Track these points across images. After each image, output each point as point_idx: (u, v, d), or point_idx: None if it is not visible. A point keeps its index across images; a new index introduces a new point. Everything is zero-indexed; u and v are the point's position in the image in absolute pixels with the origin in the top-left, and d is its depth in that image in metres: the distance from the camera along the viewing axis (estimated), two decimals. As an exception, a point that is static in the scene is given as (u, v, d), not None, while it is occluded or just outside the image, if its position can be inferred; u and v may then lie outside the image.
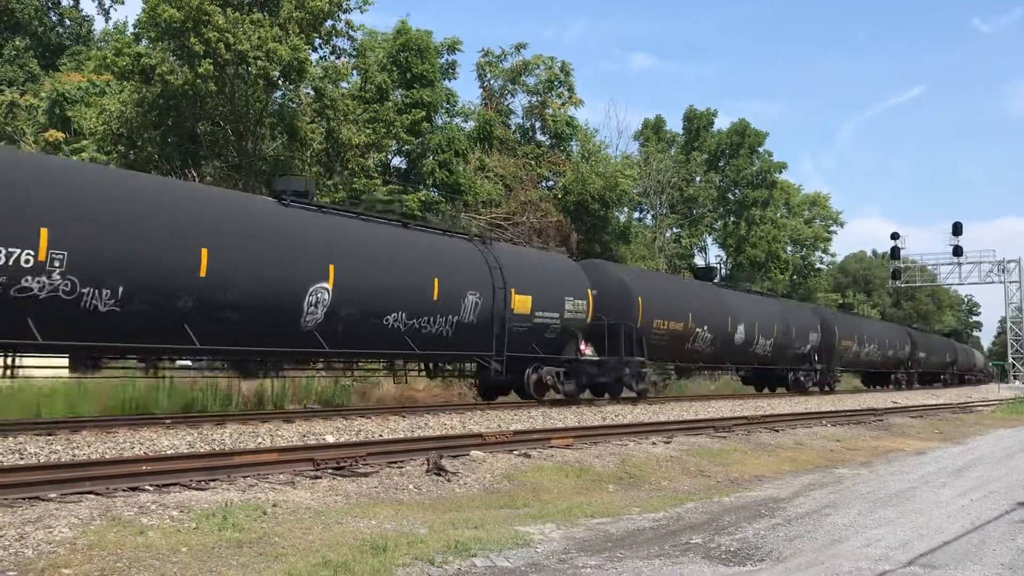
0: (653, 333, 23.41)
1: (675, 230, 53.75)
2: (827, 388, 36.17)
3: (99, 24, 65.67)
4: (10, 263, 10.86)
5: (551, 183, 39.29)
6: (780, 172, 59.50)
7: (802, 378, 33.84)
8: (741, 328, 28.28)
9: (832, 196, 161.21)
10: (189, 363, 17.81)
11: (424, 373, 20.27)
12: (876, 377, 46.99)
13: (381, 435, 12.77)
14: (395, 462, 10.34)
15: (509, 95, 40.55)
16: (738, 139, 57.51)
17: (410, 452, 10.84)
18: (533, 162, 37.94)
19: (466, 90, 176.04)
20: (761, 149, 58.22)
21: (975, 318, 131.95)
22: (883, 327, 48.74)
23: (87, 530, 6.42)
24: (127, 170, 18.87)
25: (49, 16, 45.02)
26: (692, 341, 25.60)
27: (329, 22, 27.04)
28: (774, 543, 7.18)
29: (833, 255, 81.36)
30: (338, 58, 28.93)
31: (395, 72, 31.06)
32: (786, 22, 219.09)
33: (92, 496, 7.64)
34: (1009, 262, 64.10)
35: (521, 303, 19.20)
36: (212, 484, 8.51)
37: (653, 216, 52.42)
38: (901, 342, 47.45)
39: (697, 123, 58.33)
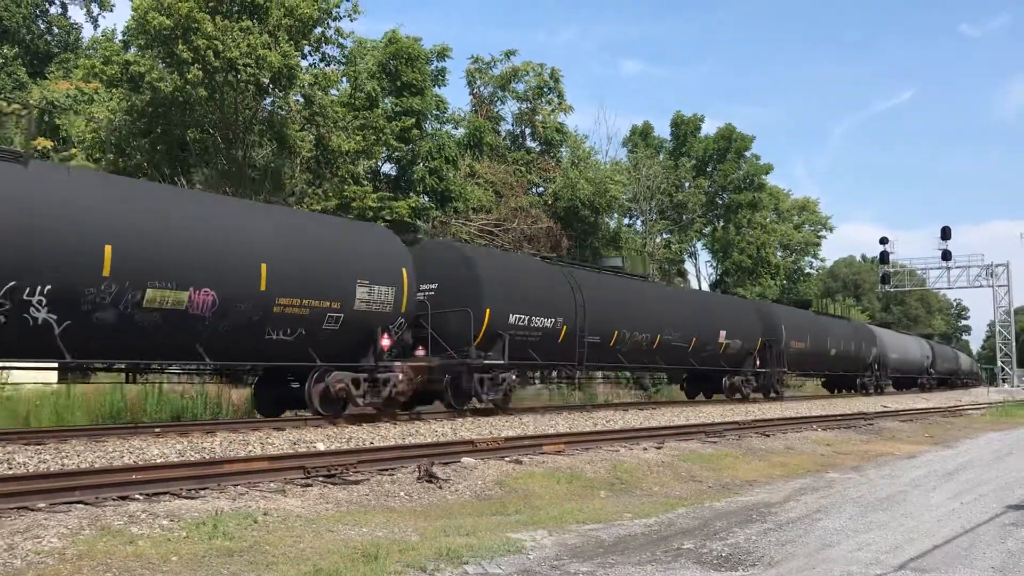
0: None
1: (665, 236, 53.85)
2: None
3: (87, 32, 65.52)
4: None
5: (541, 189, 39.33)
6: (767, 174, 59.71)
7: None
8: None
9: (823, 200, 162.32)
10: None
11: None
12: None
13: (372, 442, 12.73)
14: (386, 469, 10.32)
15: (499, 102, 40.59)
16: (724, 144, 57.64)
17: (401, 459, 10.82)
18: (523, 168, 37.96)
19: (456, 96, 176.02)
20: (748, 153, 58.37)
21: (964, 322, 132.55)
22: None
23: (76, 540, 6.39)
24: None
25: (37, 24, 44.89)
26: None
27: (318, 29, 27.02)
28: (765, 548, 7.19)
29: (823, 260, 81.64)
30: (327, 65, 28.91)
31: (385, 80, 31.06)
32: (776, 26, 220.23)
33: (81, 505, 7.60)
34: (998, 266, 64.44)
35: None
36: (202, 493, 8.48)
37: (643, 222, 52.51)
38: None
39: (684, 129, 58.43)
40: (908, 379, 51.41)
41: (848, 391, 42.11)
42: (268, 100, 26.51)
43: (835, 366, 37.77)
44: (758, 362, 28.91)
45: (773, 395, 30.44)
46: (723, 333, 26.82)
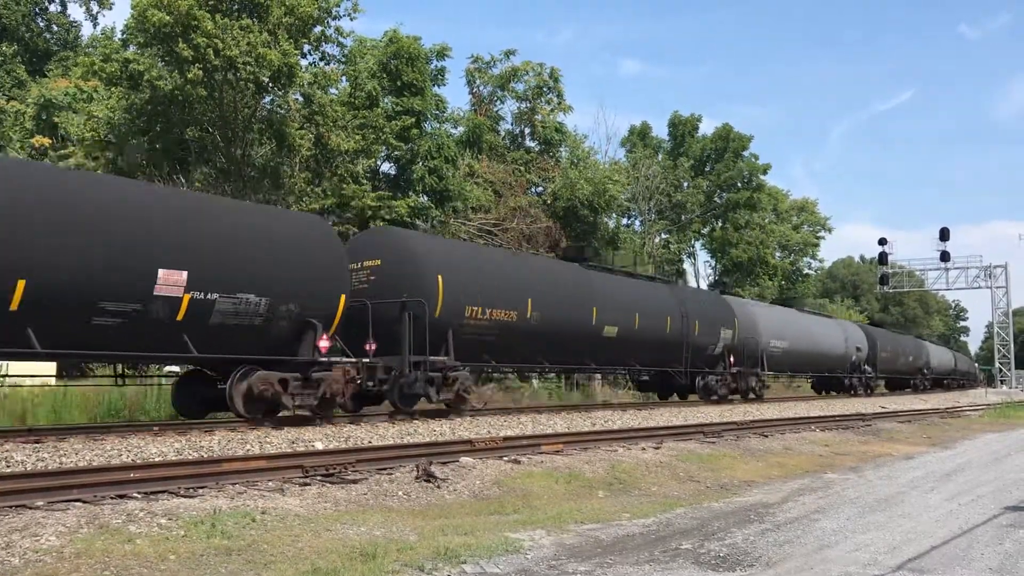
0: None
1: (663, 236, 53.87)
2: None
3: (87, 30, 65.44)
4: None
5: (540, 189, 39.34)
6: (764, 173, 59.71)
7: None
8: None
9: (821, 200, 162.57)
10: None
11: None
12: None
13: (370, 441, 12.73)
14: (385, 469, 10.32)
15: (498, 101, 40.59)
16: (722, 144, 57.63)
17: (400, 459, 10.82)
18: (522, 168, 37.96)
19: (455, 96, 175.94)
20: (746, 153, 58.35)
21: (963, 323, 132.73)
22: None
23: (75, 538, 6.38)
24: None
25: (36, 22, 44.84)
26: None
27: (318, 28, 26.98)
28: (763, 548, 7.19)
29: (821, 260, 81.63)
30: (327, 64, 28.87)
31: (385, 79, 31.03)
32: (775, 26, 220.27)
33: (79, 504, 7.60)
34: (996, 267, 64.48)
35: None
36: (200, 491, 8.48)
37: (642, 222, 52.54)
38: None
39: (682, 129, 58.44)
40: (834, 379, 39.07)
41: (684, 396, 27.35)
42: (267, 99, 26.48)
43: (622, 357, 23.24)
44: (327, 343, 14.70)
45: (439, 402, 17.02)
46: (231, 296, 12.99)
